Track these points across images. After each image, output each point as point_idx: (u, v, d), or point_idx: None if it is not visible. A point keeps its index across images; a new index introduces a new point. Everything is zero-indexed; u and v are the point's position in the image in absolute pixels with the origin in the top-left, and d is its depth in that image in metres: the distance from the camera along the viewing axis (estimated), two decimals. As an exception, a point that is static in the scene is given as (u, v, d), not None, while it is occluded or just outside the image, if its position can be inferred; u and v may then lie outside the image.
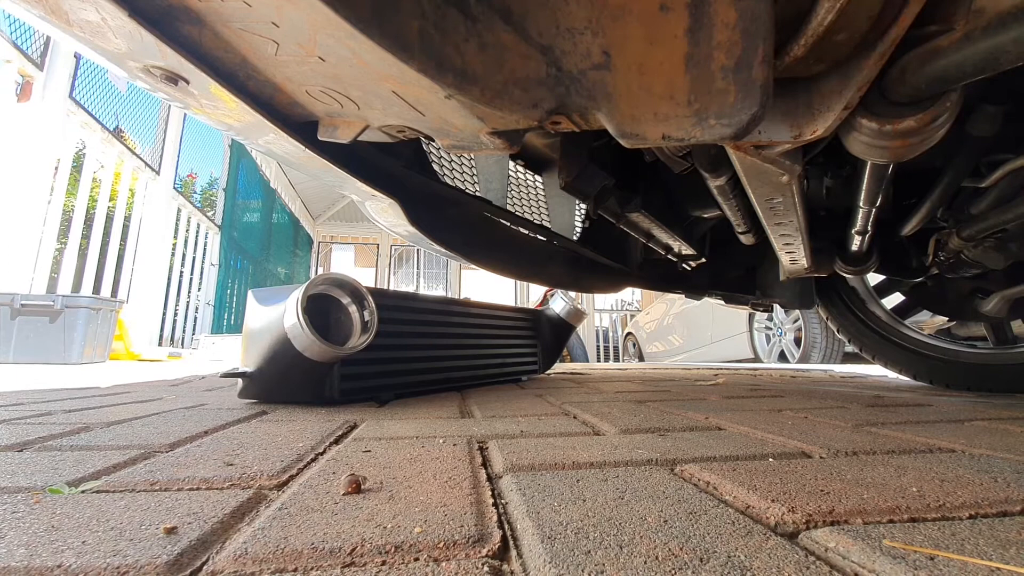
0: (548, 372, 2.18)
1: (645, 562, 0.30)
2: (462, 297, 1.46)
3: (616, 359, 8.85)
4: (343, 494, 0.42)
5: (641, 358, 7.15)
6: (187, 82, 0.53)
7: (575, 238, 1.46)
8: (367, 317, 1.03)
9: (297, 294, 0.93)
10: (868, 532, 0.34)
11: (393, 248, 9.88)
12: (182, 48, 0.48)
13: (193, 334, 5.58)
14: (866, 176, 0.75)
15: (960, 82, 0.49)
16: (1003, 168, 0.86)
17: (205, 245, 6.01)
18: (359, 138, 0.60)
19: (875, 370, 2.61)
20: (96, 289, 4.21)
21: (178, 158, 5.17)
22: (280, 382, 1.04)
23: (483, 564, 0.30)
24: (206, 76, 0.51)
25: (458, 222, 1.11)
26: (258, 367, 1.02)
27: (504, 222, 1.21)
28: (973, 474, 0.49)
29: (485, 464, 0.54)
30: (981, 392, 1.46)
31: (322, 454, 0.58)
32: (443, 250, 1.09)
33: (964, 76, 0.47)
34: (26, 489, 0.43)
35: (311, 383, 1.02)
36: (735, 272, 1.76)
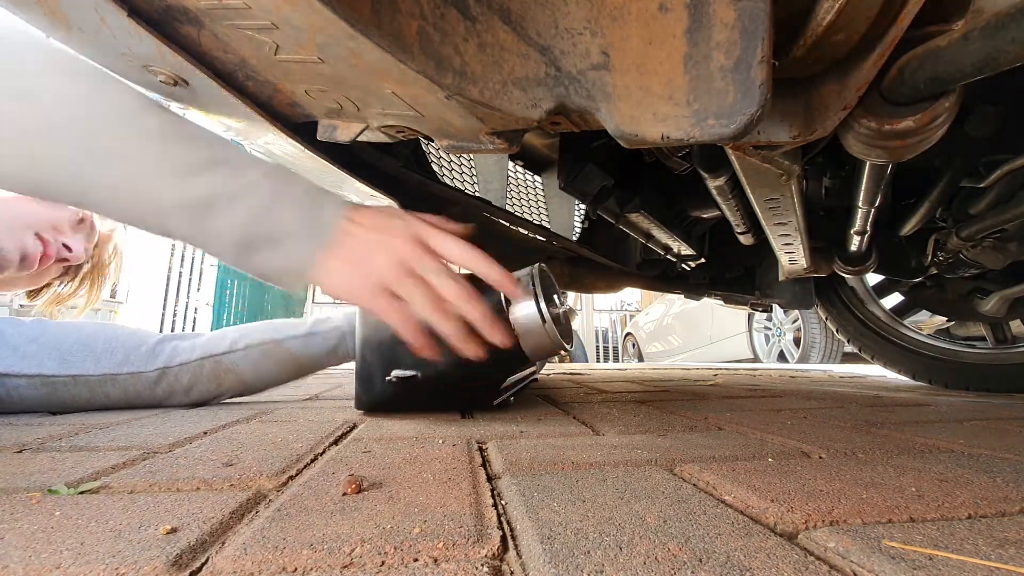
0: (546, 373, 2.18)
1: (644, 562, 0.30)
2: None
3: (616, 359, 8.84)
4: (342, 494, 0.42)
5: (640, 358, 7.15)
6: (186, 82, 0.53)
7: (574, 238, 1.46)
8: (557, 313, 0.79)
9: (534, 288, 0.72)
10: (867, 532, 0.34)
11: (392, 248, 9.84)
12: (181, 49, 0.48)
13: (192, 334, 5.57)
14: (865, 176, 0.75)
15: (959, 82, 0.49)
16: (1002, 168, 0.86)
17: (204, 245, 6.00)
18: (358, 138, 0.60)
19: (874, 370, 2.61)
20: (95, 289, 4.20)
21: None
22: (461, 384, 0.83)
23: (482, 564, 0.30)
24: (205, 76, 0.51)
25: (457, 222, 1.11)
26: (432, 366, 0.78)
27: (503, 222, 1.21)
28: (972, 474, 0.49)
29: (484, 464, 0.54)
30: (980, 392, 1.46)
31: (321, 454, 0.58)
32: (442, 250, 1.08)
33: (963, 76, 0.47)
34: (25, 490, 0.43)
35: (493, 385, 0.85)
36: (734, 272, 1.76)
